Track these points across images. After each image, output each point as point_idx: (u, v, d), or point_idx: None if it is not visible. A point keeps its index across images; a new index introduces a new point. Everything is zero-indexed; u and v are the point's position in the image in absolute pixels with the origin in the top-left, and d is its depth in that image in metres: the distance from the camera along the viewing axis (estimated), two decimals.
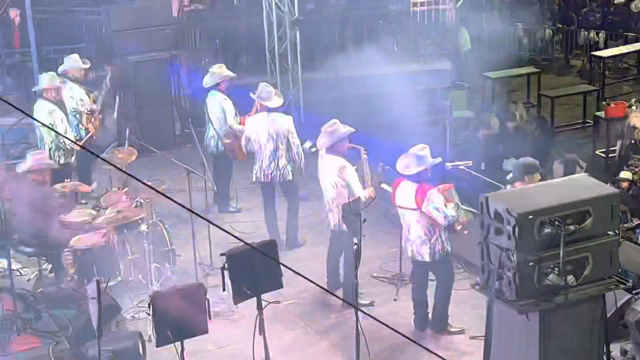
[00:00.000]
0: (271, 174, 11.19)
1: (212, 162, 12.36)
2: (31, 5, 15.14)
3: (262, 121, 11.17)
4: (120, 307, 9.05)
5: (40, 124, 11.67)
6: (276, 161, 11.12)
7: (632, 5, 21.25)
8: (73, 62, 12.79)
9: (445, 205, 8.92)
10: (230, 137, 12.13)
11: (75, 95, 12.56)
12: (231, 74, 12.34)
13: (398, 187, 9.17)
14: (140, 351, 8.49)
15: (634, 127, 15.02)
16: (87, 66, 13.02)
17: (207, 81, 12.32)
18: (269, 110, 11.18)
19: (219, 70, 12.28)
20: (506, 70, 18.71)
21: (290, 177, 11.19)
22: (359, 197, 9.43)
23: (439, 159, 9.24)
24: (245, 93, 12.83)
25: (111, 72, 13.44)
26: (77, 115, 12.53)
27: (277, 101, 11.26)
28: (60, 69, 12.78)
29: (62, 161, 11.74)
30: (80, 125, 12.50)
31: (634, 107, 15.77)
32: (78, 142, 12.04)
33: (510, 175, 9.33)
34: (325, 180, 9.87)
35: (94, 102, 12.76)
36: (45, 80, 12.05)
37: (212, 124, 12.18)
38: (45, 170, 10.39)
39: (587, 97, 17.88)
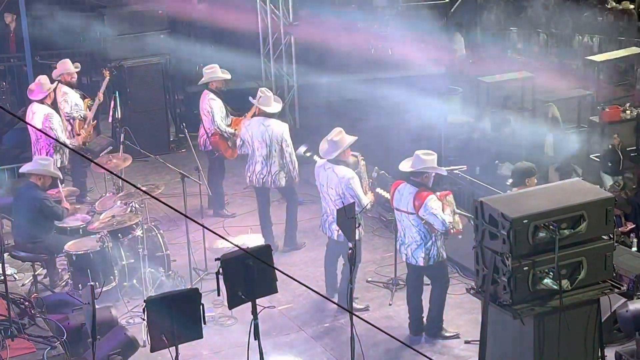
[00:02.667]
0: (263, 178, 11.19)
1: (206, 163, 12.37)
2: (26, 10, 15.13)
3: (257, 125, 11.17)
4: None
5: (36, 129, 11.65)
6: (269, 167, 11.12)
7: (621, 5, 21.25)
8: (65, 66, 12.79)
9: (443, 211, 8.91)
10: (216, 135, 12.17)
11: (69, 100, 12.56)
12: (224, 75, 12.36)
13: (397, 190, 9.16)
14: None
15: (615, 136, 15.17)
16: (77, 69, 12.99)
17: (200, 81, 12.41)
18: (266, 115, 11.17)
19: (210, 70, 12.36)
20: (501, 75, 18.70)
21: (282, 184, 11.18)
22: (354, 202, 9.39)
23: (444, 171, 9.26)
24: (240, 97, 12.85)
25: (108, 77, 13.42)
26: (71, 120, 12.52)
27: (275, 107, 11.26)
28: (55, 74, 12.78)
29: (58, 165, 11.73)
30: (73, 131, 12.48)
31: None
32: (73, 147, 12.02)
33: (511, 180, 9.38)
34: (331, 190, 9.78)
35: (88, 107, 12.75)
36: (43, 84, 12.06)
37: (203, 123, 12.24)
38: (46, 176, 10.40)
39: (582, 102, 17.89)
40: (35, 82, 12.11)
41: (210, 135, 12.18)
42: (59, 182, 10.85)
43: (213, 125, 12.15)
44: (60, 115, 12.19)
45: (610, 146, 14.89)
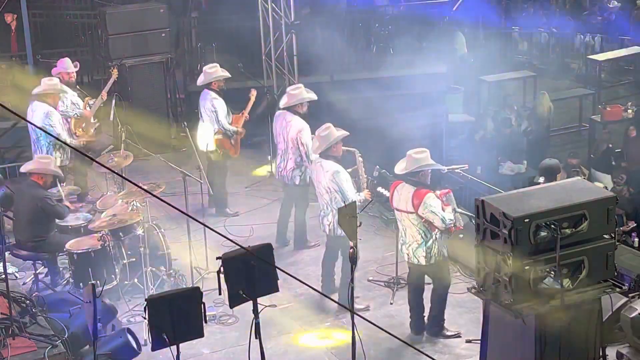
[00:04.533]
0: (280, 172, 11.34)
1: (207, 163, 12.35)
2: (27, 9, 15.12)
3: (280, 120, 11.34)
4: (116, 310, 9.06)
5: (36, 127, 11.64)
6: (285, 162, 11.22)
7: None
8: (63, 65, 12.79)
9: (443, 209, 8.92)
10: (221, 135, 12.16)
11: (65, 99, 12.54)
12: (224, 74, 12.34)
13: (396, 190, 9.17)
14: (134, 345, 8.50)
15: (607, 132, 15.17)
16: (75, 69, 12.97)
17: (201, 80, 12.35)
18: (290, 110, 11.24)
19: (212, 70, 12.30)
20: (502, 74, 18.74)
21: (296, 182, 11.21)
22: (355, 200, 9.41)
23: (440, 166, 9.27)
24: (240, 96, 12.84)
25: (116, 77, 13.40)
26: (67, 119, 12.50)
27: (282, 101, 11.33)
28: (53, 72, 12.78)
29: (58, 163, 11.73)
30: (70, 130, 12.46)
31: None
32: (73, 146, 12.02)
33: (542, 178, 9.44)
34: (319, 184, 9.86)
35: (89, 106, 12.72)
36: (46, 84, 12.06)
37: (204, 122, 12.22)
38: (47, 175, 10.39)
39: (583, 101, 17.92)
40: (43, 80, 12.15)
41: (214, 134, 12.15)
42: (57, 181, 10.85)
43: (217, 124, 12.13)
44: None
45: (609, 146, 14.92)
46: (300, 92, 11.30)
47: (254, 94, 12.66)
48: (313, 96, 11.37)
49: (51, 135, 11.55)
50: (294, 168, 11.17)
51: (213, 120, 12.14)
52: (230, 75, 12.56)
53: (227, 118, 12.28)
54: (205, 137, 12.21)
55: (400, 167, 9.11)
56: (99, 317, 7.27)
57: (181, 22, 17.65)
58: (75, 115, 12.54)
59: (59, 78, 12.60)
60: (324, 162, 9.79)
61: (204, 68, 12.49)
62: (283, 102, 11.35)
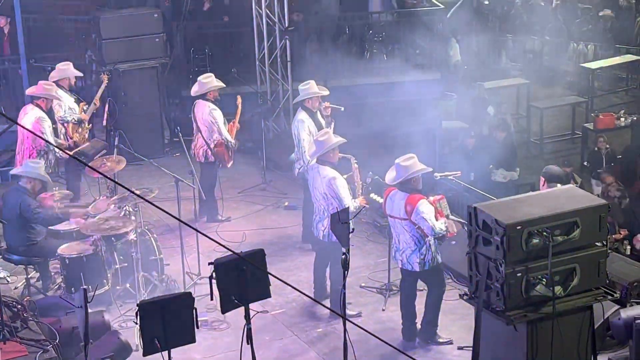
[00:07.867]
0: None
1: (199, 169, 12.32)
2: (21, 13, 15.11)
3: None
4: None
5: (26, 129, 11.60)
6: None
7: None
8: (69, 69, 12.76)
9: (436, 217, 8.92)
10: (221, 146, 12.12)
11: (63, 105, 12.51)
12: (219, 84, 12.30)
13: (389, 197, 9.19)
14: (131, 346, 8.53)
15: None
16: (80, 75, 12.98)
17: (196, 90, 12.24)
18: (300, 105, 11.46)
19: (208, 80, 12.21)
20: (495, 81, 18.75)
21: (295, 173, 11.47)
22: (348, 206, 9.40)
23: (429, 169, 9.26)
24: (232, 102, 12.83)
25: (106, 82, 13.37)
26: (65, 124, 12.48)
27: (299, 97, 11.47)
28: (55, 75, 12.72)
29: (50, 170, 11.68)
30: (67, 135, 12.44)
31: None
32: (67, 151, 11.99)
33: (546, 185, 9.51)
34: (316, 190, 9.85)
35: (84, 111, 12.71)
36: (43, 87, 12.04)
37: (202, 134, 12.13)
38: (36, 180, 10.34)
39: (576, 109, 17.94)
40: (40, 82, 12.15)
41: (214, 146, 12.10)
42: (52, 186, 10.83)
43: (220, 136, 12.08)
44: (53, 120, 12.12)
45: (596, 149, 14.95)
46: (306, 88, 11.40)
47: (240, 101, 12.64)
48: (318, 92, 11.41)
49: (42, 138, 11.50)
50: (295, 159, 11.32)
51: (214, 132, 12.07)
52: (225, 85, 12.55)
53: (224, 127, 12.25)
54: (203, 148, 12.14)
55: (390, 177, 9.12)
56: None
57: (175, 27, 17.63)
58: (73, 120, 12.52)
59: (59, 84, 12.54)
60: (320, 168, 9.79)
61: (199, 78, 12.35)
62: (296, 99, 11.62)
